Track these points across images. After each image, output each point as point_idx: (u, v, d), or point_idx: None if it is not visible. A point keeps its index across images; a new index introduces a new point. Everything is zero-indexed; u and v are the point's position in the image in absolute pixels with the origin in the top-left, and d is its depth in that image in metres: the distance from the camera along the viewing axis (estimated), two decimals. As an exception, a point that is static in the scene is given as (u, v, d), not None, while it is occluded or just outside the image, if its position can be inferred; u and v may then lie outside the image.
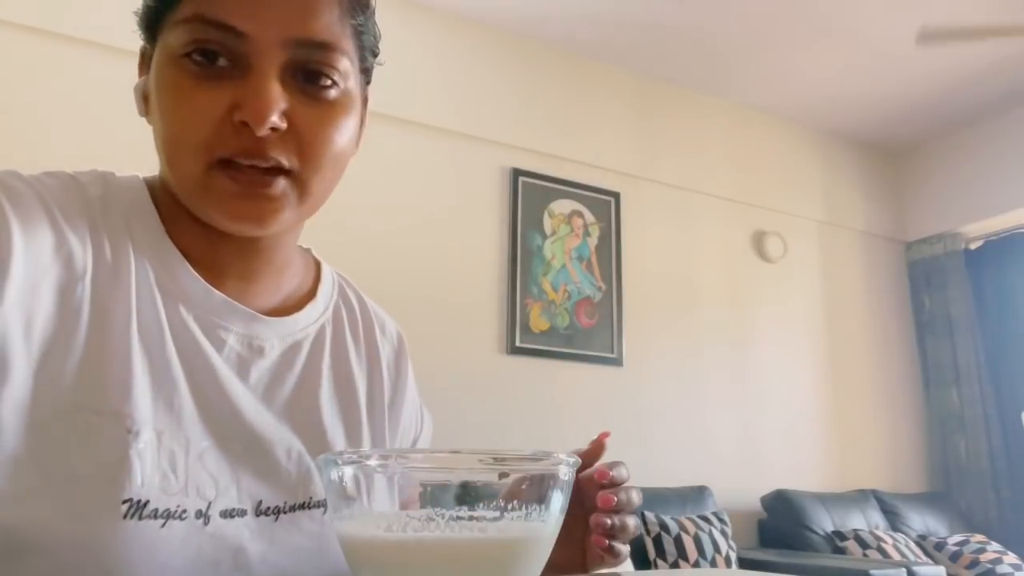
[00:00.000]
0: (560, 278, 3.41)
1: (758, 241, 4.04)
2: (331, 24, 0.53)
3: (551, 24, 3.49)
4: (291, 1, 0.51)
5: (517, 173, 3.42)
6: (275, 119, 0.50)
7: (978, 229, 4.38)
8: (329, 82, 0.53)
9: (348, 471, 0.34)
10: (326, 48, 0.52)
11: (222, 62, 0.50)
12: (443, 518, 0.33)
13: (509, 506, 0.33)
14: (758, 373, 3.86)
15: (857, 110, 4.22)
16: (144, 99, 0.57)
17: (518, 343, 3.22)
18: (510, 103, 3.49)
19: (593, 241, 3.53)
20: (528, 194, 3.42)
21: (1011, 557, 3.39)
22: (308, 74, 0.53)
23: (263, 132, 0.50)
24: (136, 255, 0.54)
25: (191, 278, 0.56)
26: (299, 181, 0.53)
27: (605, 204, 3.60)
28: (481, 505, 0.33)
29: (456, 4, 3.34)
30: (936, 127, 4.40)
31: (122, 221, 0.55)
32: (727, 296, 3.88)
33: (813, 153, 4.40)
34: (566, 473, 0.35)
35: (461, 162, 3.33)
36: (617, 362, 3.43)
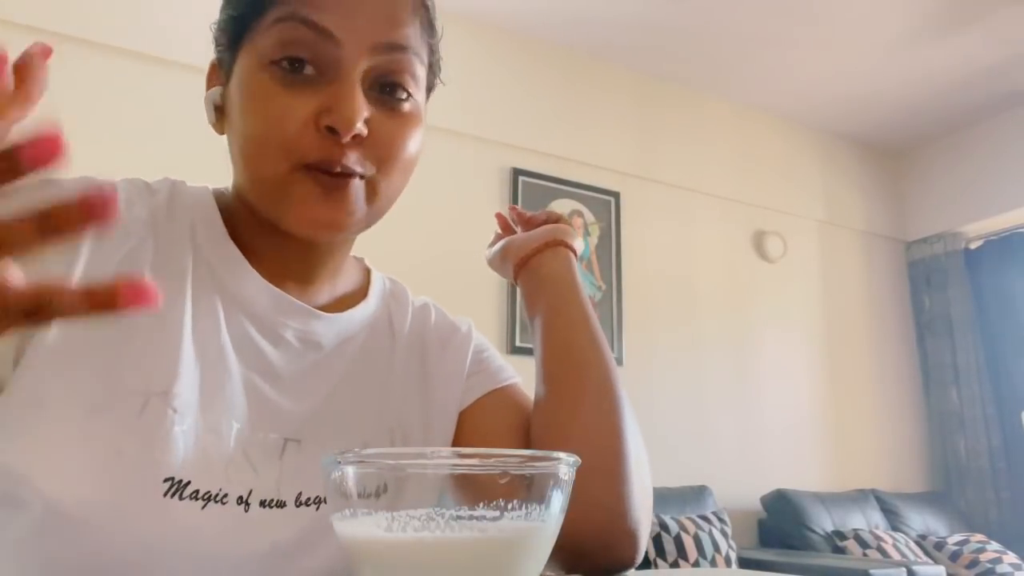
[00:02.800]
0: (560, 278, 3.40)
1: (758, 241, 4.04)
2: (413, 34, 0.56)
3: (551, 24, 3.49)
4: (380, 8, 0.54)
5: (517, 173, 3.42)
6: (360, 126, 0.52)
7: (978, 229, 4.38)
8: (405, 94, 0.56)
9: (349, 470, 0.34)
10: (407, 52, 0.55)
11: (309, 70, 0.53)
12: (443, 518, 0.33)
13: (509, 506, 0.33)
14: (758, 373, 3.86)
15: (857, 110, 4.22)
16: (216, 110, 0.59)
17: (518, 342, 3.22)
18: (510, 103, 3.49)
19: (593, 241, 3.54)
20: (528, 194, 3.42)
21: (1011, 557, 3.40)
22: (386, 85, 0.55)
23: (348, 138, 0.52)
24: (196, 254, 0.57)
25: (251, 276, 0.59)
26: (371, 186, 0.56)
27: (605, 204, 3.61)
28: (481, 505, 0.33)
29: (457, 4, 3.34)
30: (936, 127, 4.40)
31: (186, 223, 0.58)
32: (727, 296, 3.88)
33: (813, 153, 4.40)
34: (566, 473, 0.35)
35: (461, 162, 3.33)
36: (617, 361, 3.43)
